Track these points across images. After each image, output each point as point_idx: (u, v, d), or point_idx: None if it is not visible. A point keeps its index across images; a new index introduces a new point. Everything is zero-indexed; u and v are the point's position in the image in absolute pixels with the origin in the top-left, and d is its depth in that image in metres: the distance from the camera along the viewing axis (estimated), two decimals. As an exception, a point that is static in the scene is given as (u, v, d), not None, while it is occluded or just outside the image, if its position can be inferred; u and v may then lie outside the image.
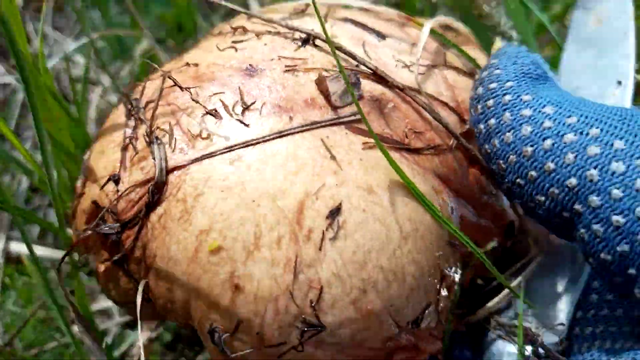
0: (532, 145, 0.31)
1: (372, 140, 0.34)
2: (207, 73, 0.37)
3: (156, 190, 0.32)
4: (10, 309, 0.59)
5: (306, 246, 0.31)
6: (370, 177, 0.33)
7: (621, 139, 0.29)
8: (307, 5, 0.42)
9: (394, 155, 0.34)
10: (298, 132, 0.33)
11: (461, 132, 0.37)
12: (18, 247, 0.61)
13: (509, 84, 0.34)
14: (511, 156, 0.33)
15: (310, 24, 0.40)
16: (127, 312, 0.39)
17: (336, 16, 0.41)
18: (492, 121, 0.34)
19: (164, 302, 0.33)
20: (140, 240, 0.33)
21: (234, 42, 0.39)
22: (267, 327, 0.31)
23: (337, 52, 0.37)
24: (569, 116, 0.31)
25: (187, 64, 0.38)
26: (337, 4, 0.43)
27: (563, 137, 0.30)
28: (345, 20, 0.41)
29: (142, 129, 0.35)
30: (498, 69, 0.35)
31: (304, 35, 0.38)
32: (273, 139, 0.33)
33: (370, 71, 0.37)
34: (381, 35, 0.40)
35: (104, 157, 0.36)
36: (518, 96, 0.33)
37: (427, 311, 0.34)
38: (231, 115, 0.34)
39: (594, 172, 0.29)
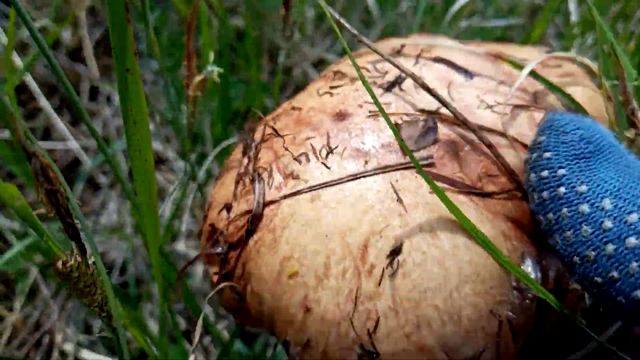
0: (594, 250, 0.31)
1: (439, 186, 0.36)
2: (306, 118, 0.42)
3: (254, 220, 0.40)
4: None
5: (367, 280, 0.35)
6: (434, 220, 0.35)
7: None
8: (403, 45, 0.45)
9: (463, 199, 0.36)
10: (370, 175, 0.37)
11: None
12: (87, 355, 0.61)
13: (560, 171, 0.33)
14: (574, 257, 0.32)
15: (403, 64, 0.43)
16: (233, 316, 0.47)
17: (428, 55, 0.43)
18: (550, 215, 0.33)
19: (255, 313, 0.40)
20: (240, 260, 0.41)
21: (331, 87, 0.44)
22: (331, 347, 0.36)
23: (420, 96, 0.40)
24: (630, 212, 0.30)
25: (293, 108, 0.45)
26: (432, 43, 0.45)
27: (625, 241, 0.30)
28: (436, 60, 0.43)
29: (251, 166, 0.43)
30: (547, 151, 0.34)
31: (392, 79, 0.41)
32: (348, 180, 0.37)
33: (450, 114, 0.38)
34: (469, 75, 0.41)
35: (223, 187, 0.45)
36: (573, 187, 0.32)
37: (484, 354, 0.35)
38: (317, 158, 0.39)
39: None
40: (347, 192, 0.37)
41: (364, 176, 0.37)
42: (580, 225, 0.31)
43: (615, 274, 0.30)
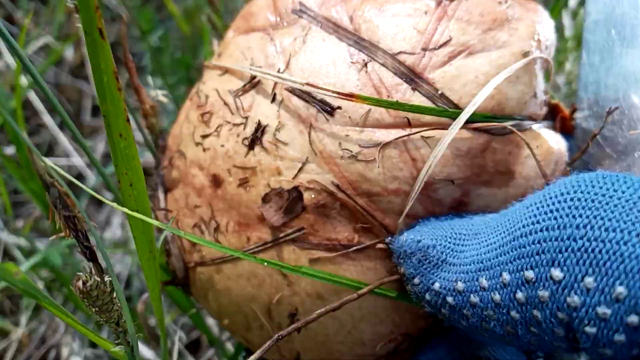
0: (507, 324, 0.31)
1: (316, 255, 0.38)
2: (189, 177, 0.42)
3: (184, 280, 0.45)
4: None
5: (280, 331, 0.41)
6: (318, 285, 0.39)
7: None
8: (255, 76, 0.39)
9: (341, 259, 0.38)
10: (254, 252, 0.39)
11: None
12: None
13: (435, 286, 0.33)
14: (506, 337, 0.32)
15: (261, 105, 0.39)
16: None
17: (285, 86, 0.38)
18: (464, 323, 0.34)
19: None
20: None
21: (202, 135, 0.41)
22: (278, 361, 0.45)
23: (282, 152, 0.38)
24: (501, 273, 0.30)
25: (180, 152, 0.44)
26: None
27: (516, 299, 0.30)
28: (294, 92, 0.37)
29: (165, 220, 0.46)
30: (413, 277, 0.34)
31: (252, 130, 0.38)
32: (238, 257, 0.40)
33: (314, 175, 0.37)
34: (329, 108, 0.36)
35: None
36: (453, 290, 0.33)
37: (398, 348, 0.42)
38: (209, 232, 0.41)
39: None
40: (240, 267, 0.40)
41: (249, 253, 0.39)
42: (482, 313, 0.32)
43: (535, 329, 0.30)
